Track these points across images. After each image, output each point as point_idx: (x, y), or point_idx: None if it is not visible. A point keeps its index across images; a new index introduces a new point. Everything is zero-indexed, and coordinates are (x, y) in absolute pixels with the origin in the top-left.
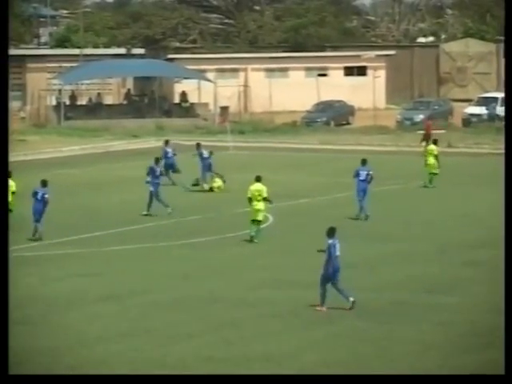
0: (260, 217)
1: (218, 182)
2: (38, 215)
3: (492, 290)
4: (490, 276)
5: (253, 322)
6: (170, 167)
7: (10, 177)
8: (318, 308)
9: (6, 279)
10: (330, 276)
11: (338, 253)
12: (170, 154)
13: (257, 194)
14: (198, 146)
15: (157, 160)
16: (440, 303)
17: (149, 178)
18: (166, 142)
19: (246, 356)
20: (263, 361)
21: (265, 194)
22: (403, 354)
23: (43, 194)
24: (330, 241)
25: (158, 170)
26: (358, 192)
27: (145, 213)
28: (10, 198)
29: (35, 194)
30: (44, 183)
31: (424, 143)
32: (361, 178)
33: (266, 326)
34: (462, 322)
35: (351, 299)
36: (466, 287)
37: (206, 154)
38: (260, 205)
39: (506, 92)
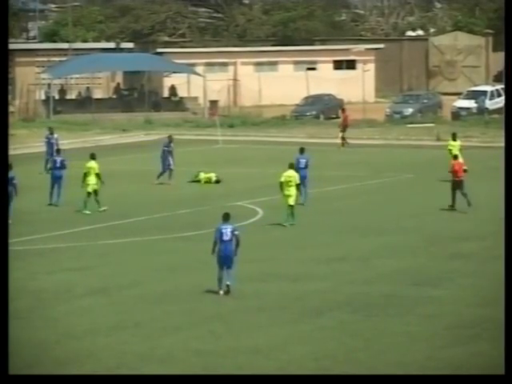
0: (291, 201)
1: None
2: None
3: (479, 282)
4: (477, 268)
5: (240, 314)
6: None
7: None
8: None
9: (6, 279)
10: (221, 260)
11: (226, 238)
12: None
13: (288, 180)
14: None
15: None
16: (428, 296)
17: None
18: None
19: (234, 349)
20: (251, 353)
21: (297, 181)
22: (391, 347)
23: (62, 161)
24: (221, 226)
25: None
26: (300, 179)
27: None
28: (93, 180)
29: (54, 161)
30: (58, 151)
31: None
32: (300, 166)
33: (253, 318)
34: (449, 315)
35: (227, 283)
36: (454, 280)
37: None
38: (291, 190)
39: (506, 92)
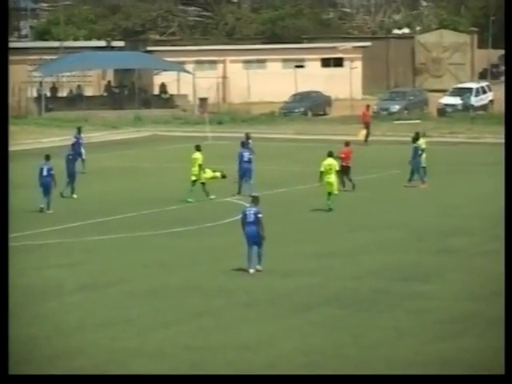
0: (335, 190)
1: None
2: (47, 189)
3: (467, 277)
4: (464, 264)
5: (230, 310)
6: None
7: (48, 159)
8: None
9: (6, 281)
10: (247, 240)
11: (250, 219)
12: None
13: (328, 168)
14: None
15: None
16: (416, 291)
17: None
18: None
19: (224, 344)
20: (240, 349)
21: (336, 168)
22: (379, 341)
23: (49, 169)
24: (246, 208)
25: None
26: (243, 173)
27: None
28: (196, 170)
29: (41, 170)
30: (48, 157)
31: (364, 131)
32: (244, 159)
33: (242, 314)
34: (437, 309)
35: (257, 267)
36: (442, 275)
37: None
38: (332, 177)
39: (506, 91)
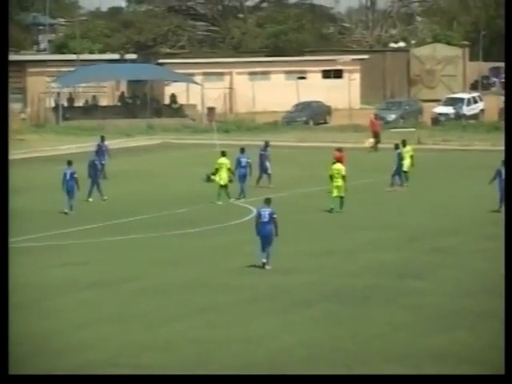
0: (343, 193)
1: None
2: (71, 192)
3: (458, 274)
4: (455, 261)
5: (234, 306)
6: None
7: (71, 164)
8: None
9: (6, 283)
10: (261, 239)
11: (264, 219)
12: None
13: (336, 172)
14: None
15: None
16: (410, 287)
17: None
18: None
19: (228, 338)
20: (244, 342)
21: (343, 173)
22: (375, 335)
23: (72, 174)
24: (261, 209)
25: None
26: (240, 177)
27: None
28: (225, 174)
29: (64, 174)
30: (70, 163)
31: (371, 140)
32: (242, 165)
33: (246, 309)
34: (430, 305)
35: (266, 267)
36: (434, 272)
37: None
38: (339, 181)
39: (506, 92)
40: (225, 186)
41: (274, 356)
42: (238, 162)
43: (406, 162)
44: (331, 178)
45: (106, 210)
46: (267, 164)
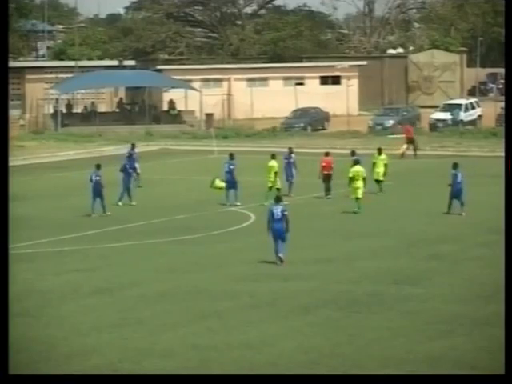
0: (360, 194)
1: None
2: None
3: (454, 281)
4: (452, 268)
5: (234, 312)
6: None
7: (99, 169)
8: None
9: (6, 281)
10: (274, 236)
11: (277, 217)
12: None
13: (356, 174)
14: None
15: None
16: (407, 293)
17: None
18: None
19: (229, 344)
20: (244, 348)
21: (363, 175)
22: (373, 341)
23: (97, 177)
24: (273, 207)
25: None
26: (230, 183)
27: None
28: (272, 177)
29: (91, 178)
30: (98, 167)
31: (405, 146)
32: (225, 170)
33: (246, 315)
34: (427, 311)
35: (280, 256)
36: (431, 279)
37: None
38: (359, 183)
39: (506, 93)
40: (272, 188)
41: (273, 361)
42: (225, 168)
43: (380, 171)
44: (351, 180)
45: (105, 217)
46: (294, 171)
